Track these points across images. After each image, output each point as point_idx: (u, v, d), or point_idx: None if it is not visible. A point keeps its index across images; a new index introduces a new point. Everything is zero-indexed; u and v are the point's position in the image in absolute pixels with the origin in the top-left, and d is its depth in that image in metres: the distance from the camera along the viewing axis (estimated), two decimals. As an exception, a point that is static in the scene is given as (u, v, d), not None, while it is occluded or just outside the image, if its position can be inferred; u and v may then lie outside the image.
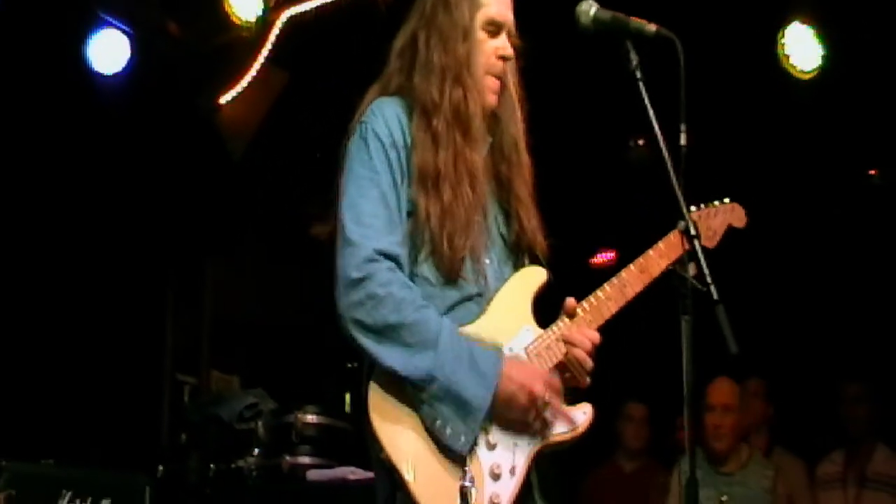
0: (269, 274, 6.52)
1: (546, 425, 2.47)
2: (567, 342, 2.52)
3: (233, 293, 6.40)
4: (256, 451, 4.73)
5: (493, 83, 2.65)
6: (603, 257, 7.54)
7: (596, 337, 2.55)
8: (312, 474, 4.63)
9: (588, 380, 2.54)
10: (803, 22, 5.41)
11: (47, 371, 5.29)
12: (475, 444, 2.38)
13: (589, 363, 2.52)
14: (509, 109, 2.69)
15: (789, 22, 5.42)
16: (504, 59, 2.65)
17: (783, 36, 5.41)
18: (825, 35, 5.42)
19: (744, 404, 5.35)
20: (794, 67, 5.40)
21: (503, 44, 2.65)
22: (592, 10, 2.59)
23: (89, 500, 4.19)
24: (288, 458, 4.66)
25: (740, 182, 5.92)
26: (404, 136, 2.55)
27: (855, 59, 5.47)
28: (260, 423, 4.78)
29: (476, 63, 2.60)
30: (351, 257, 2.41)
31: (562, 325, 2.57)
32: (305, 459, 4.69)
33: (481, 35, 2.63)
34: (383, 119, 2.56)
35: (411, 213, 2.52)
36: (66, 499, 4.13)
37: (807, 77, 5.42)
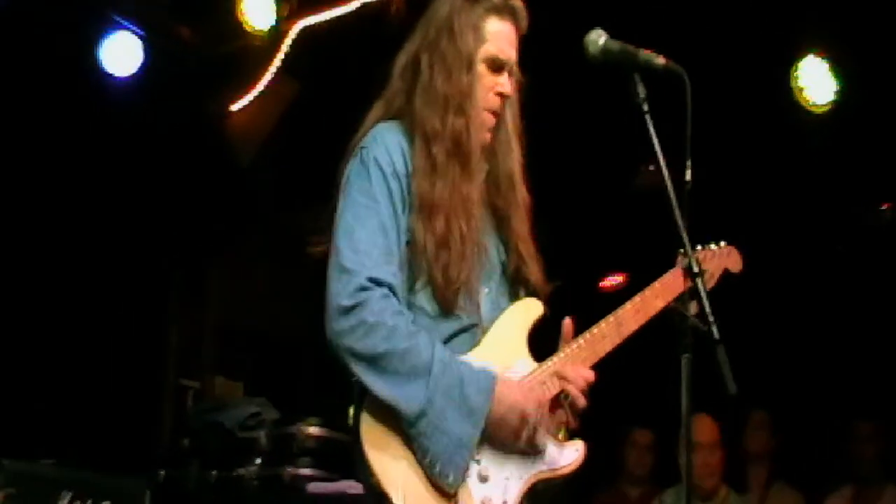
0: (278, 282, 6.54)
1: (538, 452, 2.46)
2: (561, 378, 2.51)
3: (240, 299, 6.43)
4: (258, 460, 4.74)
5: (488, 119, 2.64)
6: (612, 280, 7.54)
7: (590, 375, 2.53)
8: (313, 487, 4.63)
9: (577, 422, 2.53)
10: (818, 56, 5.41)
11: (50, 371, 5.32)
12: (465, 477, 2.37)
13: (581, 401, 2.50)
14: (505, 144, 2.68)
15: (804, 55, 5.42)
16: (502, 96, 2.64)
17: (797, 69, 5.42)
18: (839, 69, 5.42)
19: (747, 435, 5.35)
20: (808, 101, 5.40)
21: (503, 81, 2.64)
22: (601, 41, 2.57)
23: (89, 502, 4.21)
24: (289, 468, 4.67)
25: (755, 214, 5.96)
26: (406, 164, 2.55)
27: (869, 92, 5.46)
28: (262, 433, 4.78)
29: (476, 96, 2.59)
30: (344, 284, 2.40)
31: (556, 361, 2.56)
32: (306, 471, 4.69)
33: (481, 69, 2.61)
34: (385, 147, 2.55)
35: (410, 243, 2.51)
36: (66, 500, 4.15)
37: (821, 111, 5.42)
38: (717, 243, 2.99)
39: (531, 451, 2.46)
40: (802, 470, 5.67)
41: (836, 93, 5.41)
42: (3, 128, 5.28)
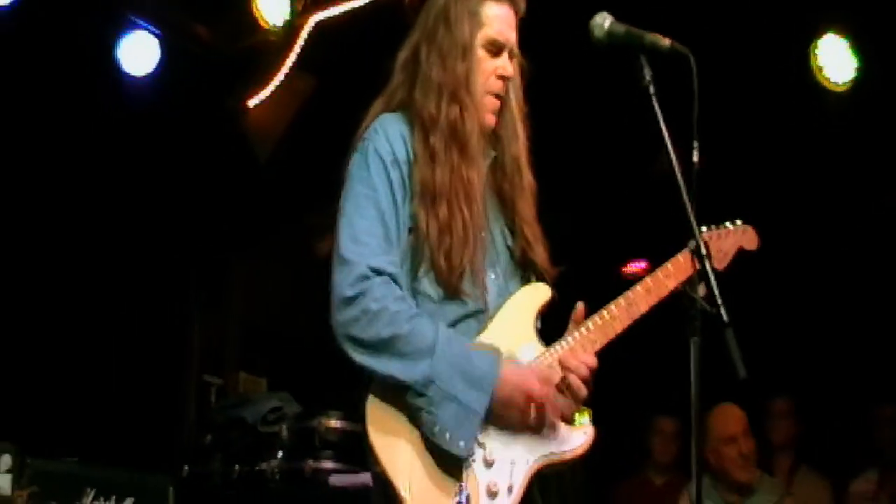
0: (300, 277, 6.55)
1: (545, 434, 2.46)
2: (563, 367, 2.50)
3: (262, 295, 6.44)
4: (280, 454, 4.76)
5: (491, 102, 2.65)
6: (634, 267, 7.49)
7: (593, 362, 2.52)
8: (335, 479, 4.64)
9: (579, 409, 2.52)
10: (837, 33, 5.34)
11: (74, 369, 5.36)
12: (470, 459, 2.37)
13: (583, 391, 2.50)
14: (510, 128, 2.69)
15: (823, 34, 5.36)
16: (503, 78, 2.65)
17: (817, 48, 5.35)
18: (860, 47, 5.34)
19: (772, 424, 5.29)
20: (828, 80, 5.33)
21: (503, 63, 2.65)
22: (607, 24, 2.57)
23: (113, 498, 4.25)
24: (311, 462, 4.68)
25: (773, 196, 5.88)
26: (407, 153, 2.56)
27: (890, 71, 5.38)
28: (284, 427, 4.81)
29: (474, 82, 2.60)
30: (345, 275, 2.42)
31: (564, 345, 2.55)
32: (328, 464, 4.70)
33: (481, 53, 2.63)
34: (385, 136, 2.56)
35: (412, 230, 2.52)
36: (90, 497, 4.19)
37: (840, 89, 5.35)
38: (733, 221, 2.96)
39: (538, 432, 2.45)
40: (827, 455, 5.61)
41: (857, 71, 5.33)
42: (25, 128, 5.34)
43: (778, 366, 5.35)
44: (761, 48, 5.29)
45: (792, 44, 5.39)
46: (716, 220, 2.93)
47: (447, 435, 2.35)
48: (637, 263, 7.52)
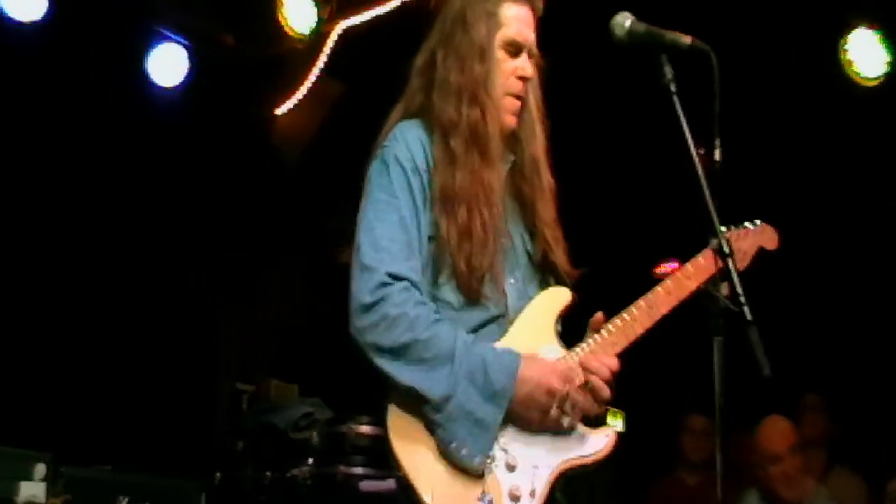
0: (330, 283, 6.56)
1: (567, 434, 2.44)
2: (584, 369, 2.48)
3: (293, 302, 6.46)
4: (311, 460, 4.76)
5: (511, 103, 2.63)
6: (667, 267, 7.43)
7: (614, 364, 2.50)
8: (366, 485, 4.64)
9: (601, 409, 2.50)
10: (868, 27, 5.27)
11: (107, 378, 5.42)
12: (492, 463, 2.37)
13: (605, 392, 2.47)
14: (529, 129, 2.67)
15: (854, 27, 5.29)
16: (523, 79, 2.63)
17: (847, 42, 5.28)
18: (891, 40, 5.26)
19: (802, 420, 5.21)
20: (859, 74, 5.26)
21: (523, 64, 2.63)
22: (627, 23, 2.56)
23: (145, 505, 4.28)
24: (342, 467, 4.68)
25: (805, 192, 5.81)
26: (427, 159, 2.55)
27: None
28: (315, 433, 4.80)
29: (493, 83, 2.59)
30: (365, 282, 2.41)
31: (585, 348, 2.54)
32: (359, 469, 4.69)
33: (500, 54, 2.62)
34: (405, 143, 2.55)
35: (434, 237, 2.51)
36: None
37: (872, 84, 5.27)
38: (752, 221, 2.93)
39: (559, 432, 2.44)
40: (863, 455, 5.52)
41: (888, 65, 5.26)
42: (56, 140, 5.41)
43: (812, 366, 5.27)
44: (791, 43, 5.23)
45: (822, 38, 5.33)
46: (741, 214, 2.90)
47: (462, 451, 2.35)
48: (669, 264, 7.47)
